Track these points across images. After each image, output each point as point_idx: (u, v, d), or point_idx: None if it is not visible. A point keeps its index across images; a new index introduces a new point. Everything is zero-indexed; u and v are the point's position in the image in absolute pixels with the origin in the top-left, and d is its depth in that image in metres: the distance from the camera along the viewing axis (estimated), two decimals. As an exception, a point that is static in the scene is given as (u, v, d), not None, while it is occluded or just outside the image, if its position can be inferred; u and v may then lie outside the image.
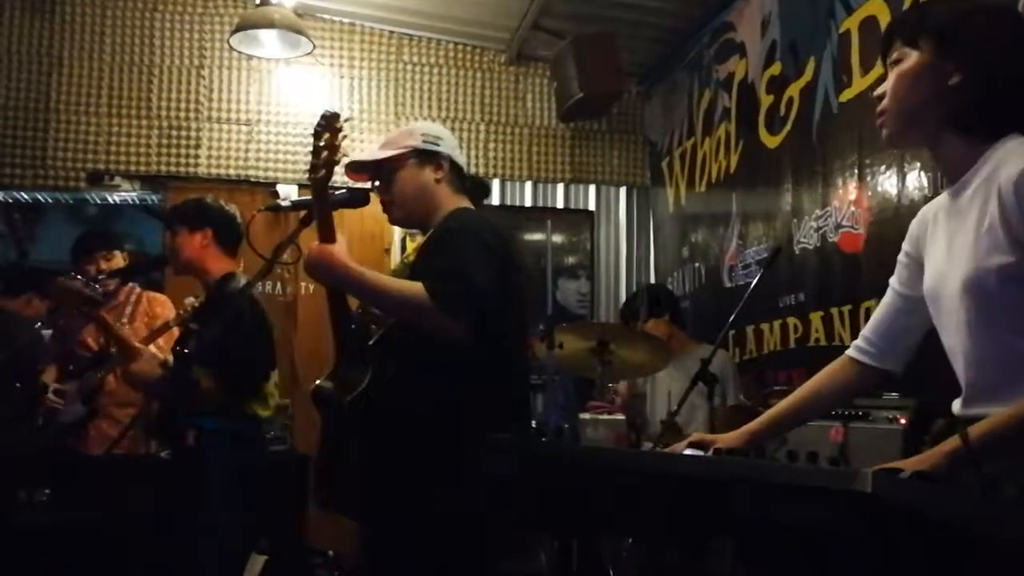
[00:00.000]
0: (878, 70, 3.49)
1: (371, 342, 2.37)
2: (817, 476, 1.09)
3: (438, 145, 2.48)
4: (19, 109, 5.15)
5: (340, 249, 2.28)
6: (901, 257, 1.77)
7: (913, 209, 3.19)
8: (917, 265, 1.72)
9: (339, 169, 2.35)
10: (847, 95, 3.69)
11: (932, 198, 1.81)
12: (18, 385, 3.85)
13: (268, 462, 4.31)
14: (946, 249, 1.60)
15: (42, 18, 5.24)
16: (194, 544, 2.97)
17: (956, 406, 1.61)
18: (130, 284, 3.92)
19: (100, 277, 3.78)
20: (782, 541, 1.15)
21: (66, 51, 5.24)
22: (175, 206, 3.45)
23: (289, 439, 4.69)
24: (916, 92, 1.56)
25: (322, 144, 2.27)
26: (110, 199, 5.57)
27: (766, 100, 4.38)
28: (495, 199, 5.52)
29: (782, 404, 1.87)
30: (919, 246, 1.72)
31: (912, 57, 1.57)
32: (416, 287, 2.21)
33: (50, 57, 5.22)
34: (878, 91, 1.62)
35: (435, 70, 5.63)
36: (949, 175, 1.60)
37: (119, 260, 3.93)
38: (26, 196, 5.50)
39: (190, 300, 3.28)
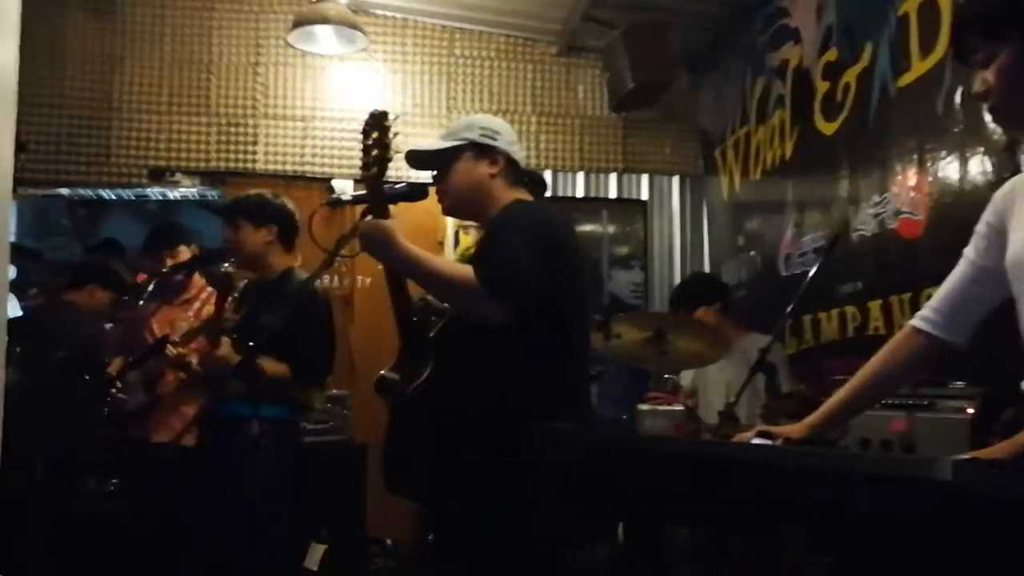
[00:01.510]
0: (938, 54, 3.42)
1: (432, 334, 2.41)
2: (895, 465, 1.09)
3: (495, 140, 2.50)
4: (83, 108, 5.26)
5: (395, 227, 2.31)
6: (980, 228, 1.76)
7: (976, 194, 3.15)
8: (998, 236, 1.71)
9: (396, 164, 2.38)
10: (906, 79, 3.63)
11: (996, 182, 1.79)
12: (87, 377, 3.95)
13: (322, 450, 4.40)
14: None
15: (103, 19, 5.35)
16: (255, 531, 3.04)
17: None
18: (197, 275, 4.00)
19: (164, 271, 3.88)
20: (858, 529, 1.15)
21: (127, 51, 5.34)
22: (236, 200, 3.50)
23: (347, 429, 4.76)
24: None
25: (371, 143, 2.31)
26: (170, 195, 5.69)
27: (822, 86, 4.32)
28: (547, 191, 5.52)
29: (844, 390, 1.85)
30: (1004, 216, 1.70)
31: (1007, 50, 1.55)
32: (467, 270, 2.26)
33: (112, 57, 5.33)
34: (978, 90, 1.62)
35: (487, 63, 5.65)
36: None
37: (185, 254, 4.02)
38: (90, 192, 5.64)
39: (244, 281, 3.37)
